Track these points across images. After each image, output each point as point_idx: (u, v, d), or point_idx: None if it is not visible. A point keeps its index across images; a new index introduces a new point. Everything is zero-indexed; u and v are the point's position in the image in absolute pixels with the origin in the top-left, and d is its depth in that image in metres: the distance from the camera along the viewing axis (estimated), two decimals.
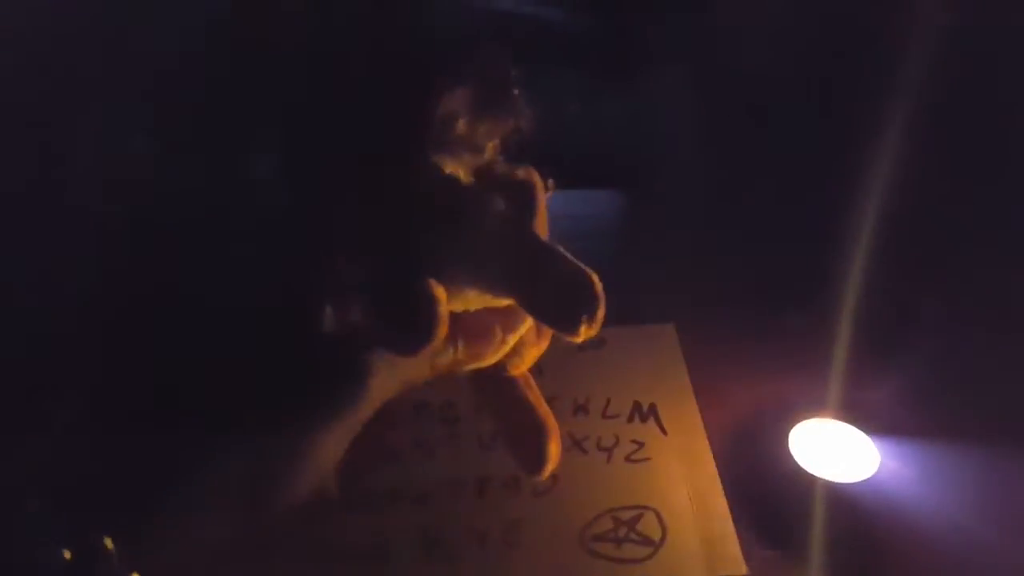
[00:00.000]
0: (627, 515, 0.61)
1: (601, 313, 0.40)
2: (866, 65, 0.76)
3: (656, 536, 0.60)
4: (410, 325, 0.37)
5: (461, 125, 0.40)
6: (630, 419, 0.69)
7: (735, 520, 0.60)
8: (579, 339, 0.40)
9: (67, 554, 0.32)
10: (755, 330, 0.75)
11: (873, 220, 0.70)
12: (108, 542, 0.33)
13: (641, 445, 0.67)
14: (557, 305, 0.40)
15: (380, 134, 0.38)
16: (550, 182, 0.46)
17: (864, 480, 0.61)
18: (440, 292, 0.38)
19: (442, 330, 0.38)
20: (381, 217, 0.39)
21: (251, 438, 0.36)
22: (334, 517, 0.60)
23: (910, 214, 0.71)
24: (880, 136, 0.71)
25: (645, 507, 0.62)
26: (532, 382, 0.52)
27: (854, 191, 0.71)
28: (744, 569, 0.57)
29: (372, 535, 0.59)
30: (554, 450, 0.50)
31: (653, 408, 0.70)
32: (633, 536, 0.60)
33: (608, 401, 0.71)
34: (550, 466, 0.50)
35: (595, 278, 0.40)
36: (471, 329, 0.44)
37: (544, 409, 0.51)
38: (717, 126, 0.87)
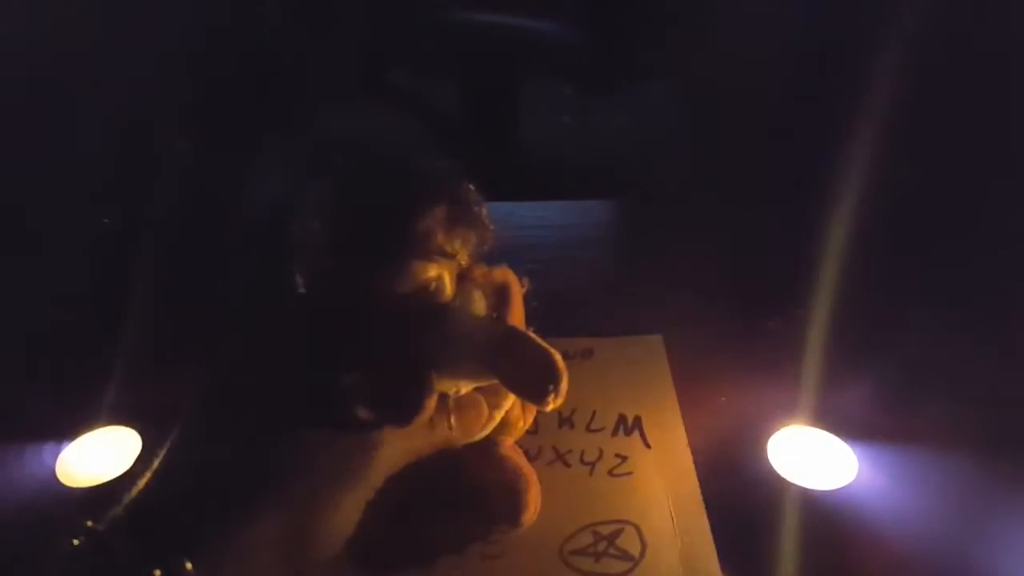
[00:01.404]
0: (607, 530, 0.61)
1: (564, 387, 0.48)
2: (845, 76, 0.76)
3: (635, 552, 0.60)
4: (403, 403, 0.47)
5: (440, 237, 0.49)
6: (614, 432, 0.70)
7: (715, 531, 0.60)
8: (548, 409, 0.49)
9: (158, 573, 0.40)
10: (740, 338, 0.76)
11: (854, 228, 0.70)
12: (188, 564, 0.40)
13: (624, 459, 0.67)
14: (529, 382, 0.48)
15: (376, 247, 0.47)
16: (524, 280, 0.56)
17: (842, 487, 0.61)
18: (430, 376, 0.47)
19: (430, 405, 0.47)
20: (378, 318, 0.48)
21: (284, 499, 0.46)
22: None
23: (889, 222, 0.71)
24: (858, 145, 0.71)
25: (625, 522, 0.62)
26: (519, 450, 0.62)
27: (833, 200, 0.71)
28: None
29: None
30: (532, 498, 0.60)
31: (638, 421, 0.70)
32: (612, 551, 0.60)
33: (593, 414, 0.71)
34: (529, 515, 0.59)
35: (558, 357, 0.48)
36: (463, 406, 0.53)
37: (527, 468, 0.61)
38: (704, 138, 0.87)
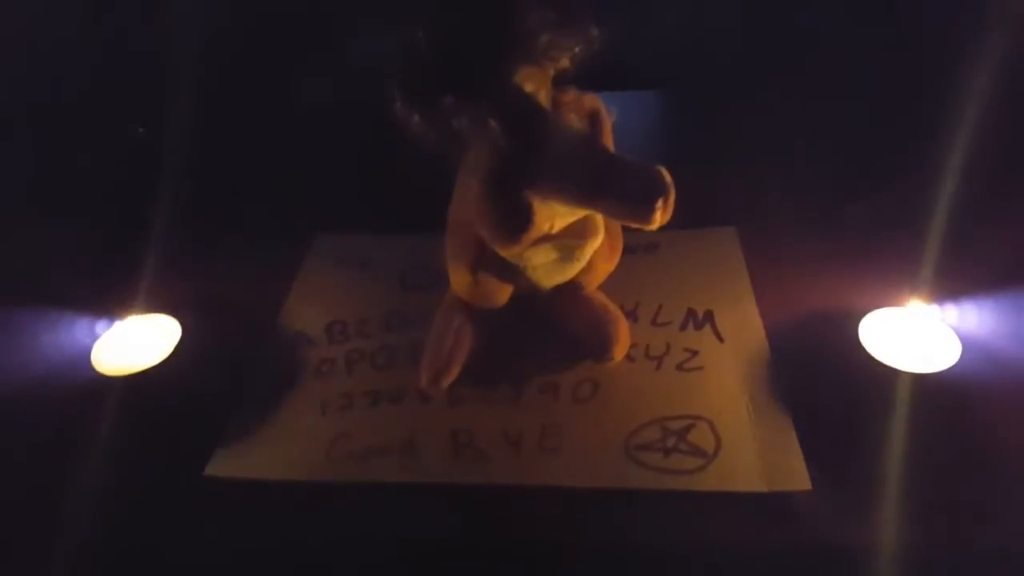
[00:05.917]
0: (677, 425, 0.56)
1: (672, 198, 0.46)
2: None
3: (709, 448, 0.54)
4: (510, 224, 0.49)
5: (544, 39, 0.47)
6: (683, 326, 0.63)
7: (799, 425, 0.54)
8: (655, 226, 0.46)
9: None
10: (818, 225, 0.69)
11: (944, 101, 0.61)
12: None
13: (695, 353, 0.61)
14: (634, 197, 0.46)
15: (480, 44, 0.46)
16: (612, 110, 0.54)
17: (945, 370, 0.54)
18: (534, 200, 0.49)
19: (533, 229, 0.49)
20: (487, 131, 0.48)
21: None
22: (359, 413, 0.58)
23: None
24: None
25: (697, 417, 0.56)
26: (601, 293, 0.63)
27: (915, 77, 0.63)
28: (808, 484, 0.51)
29: (400, 431, 0.57)
30: (623, 333, 0.60)
31: (709, 315, 0.64)
32: (683, 447, 0.54)
33: (659, 308, 0.65)
34: (620, 348, 0.60)
35: (664, 170, 0.46)
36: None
37: (612, 306, 0.62)
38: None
